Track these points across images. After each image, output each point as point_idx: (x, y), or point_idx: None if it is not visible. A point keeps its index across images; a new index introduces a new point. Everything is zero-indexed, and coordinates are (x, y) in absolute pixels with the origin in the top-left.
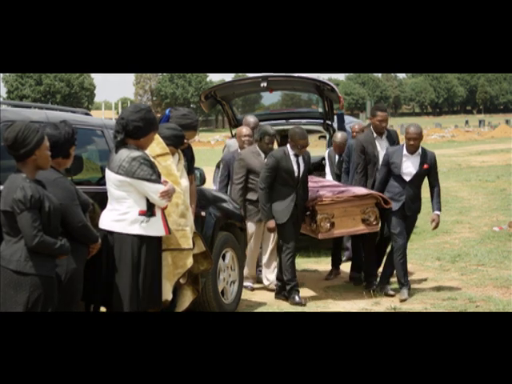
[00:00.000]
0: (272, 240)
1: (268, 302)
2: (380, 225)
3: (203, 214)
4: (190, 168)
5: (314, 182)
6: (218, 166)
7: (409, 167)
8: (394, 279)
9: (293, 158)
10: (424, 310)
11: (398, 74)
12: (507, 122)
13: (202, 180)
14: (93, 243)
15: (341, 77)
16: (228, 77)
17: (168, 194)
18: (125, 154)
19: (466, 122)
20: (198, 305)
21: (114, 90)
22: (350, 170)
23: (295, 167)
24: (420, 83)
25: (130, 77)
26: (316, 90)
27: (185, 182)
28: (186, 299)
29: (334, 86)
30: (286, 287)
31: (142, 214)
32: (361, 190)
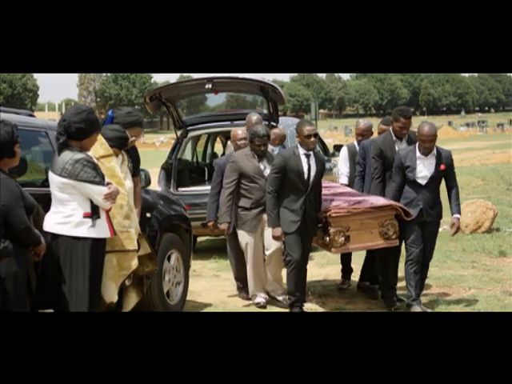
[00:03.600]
0: (276, 245)
1: (214, 303)
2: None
3: (148, 215)
4: (136, 170)
5: (325, 188)
6: (163, 168)
7: (424, 170)
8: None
9: (303, 159)
10: (368, 310)
11: (342, 76)
12: (450, 123)
13: (147, 181)
14: (35, 245)
15: (285, 78)
16: (173, 78)
17: (112, 196)
18: (68, 157)
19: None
20: (143, 306)
21: (58, 91)
22: (367, 173)
23: (305, 168)
24: (364, 85)
25: (74, 78)
26: (261, 92)
27: (129, 183)
28: (131, 301)
29: (279, 88)
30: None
31: (86, 216)
32: (379, 201)
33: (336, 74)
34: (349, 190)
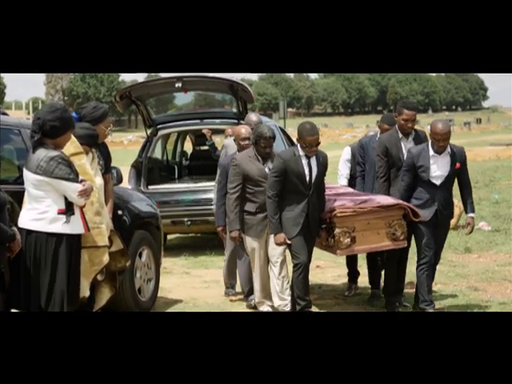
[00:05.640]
0: (279, 256)
1: (184, 299)
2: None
3: (120, 212)
4: (107, 167)
5: (327, 189)
6: (133, 166)
7: (438, 169)
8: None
9: (304, 160)
10: (336, 306)
11: (310, 75)
12: (417, 122)
13: (119, 179)
14: (8, 241)
15: (254, 77)
16: (140, 77)
17: (86, 193)
18: (42, 154)
19: (377, 122)
20: (115, 302)
21: (25, 89)
22: (367, 174)
23: (306, 170)
24: (332, 84)
25: (41, 76)
26: (230, 91)
27: (99, 180)
28: (104, 296)
29: (248, 87)
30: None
31: (60, 212)
32: (387, 200)
33: (304, 73)
34: (351, 190)
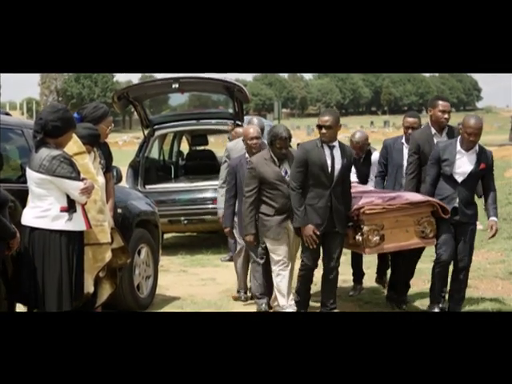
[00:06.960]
0: (289, 259)
1: (182, 296)
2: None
3: (119, 210)
4: (108, 166)
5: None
6: (130, 166)
7: (463, 166)
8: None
9: (326, 151)
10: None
11: (305, 76)
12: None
13: (119, 178)
14: (9, 239)
15: (248, 77)
16: (135, 77)
17: (88, 191)
18: (45, 153)
19: (372, 122)
20: (114, 298)
21: (19, 89)
22: (390, 173)
23: (329, 161)
24: (326, 84)
25: (35, 76)
26: (226, 91)
27: (101, 179)
28: (105, 292)
29: (244, 87)
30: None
31: (63, 210)
32: (415, 196)
33: (298, 74)
34: (372, 188)
